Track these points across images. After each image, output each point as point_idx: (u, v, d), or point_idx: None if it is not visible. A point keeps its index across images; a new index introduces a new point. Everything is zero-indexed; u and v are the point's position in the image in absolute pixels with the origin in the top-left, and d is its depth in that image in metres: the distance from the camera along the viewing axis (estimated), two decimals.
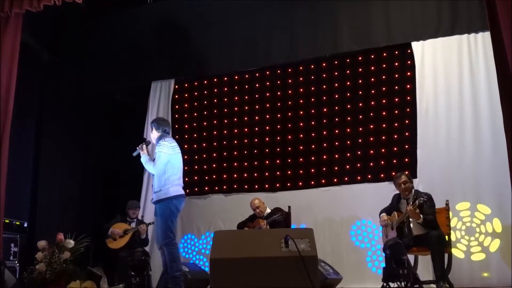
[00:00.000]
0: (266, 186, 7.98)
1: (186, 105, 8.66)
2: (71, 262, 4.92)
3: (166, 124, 5.78)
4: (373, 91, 7.63)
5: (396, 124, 7.41)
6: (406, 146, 7.27)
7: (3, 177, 6.12)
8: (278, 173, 8.01)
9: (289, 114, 8.10)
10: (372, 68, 7.70)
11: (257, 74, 8.32)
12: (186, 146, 8.18)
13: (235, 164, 8.27)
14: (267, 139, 8.17)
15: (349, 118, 7.70)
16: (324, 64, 7.97)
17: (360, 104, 7.67)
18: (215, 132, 8.46)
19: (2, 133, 6.20)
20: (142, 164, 5.66)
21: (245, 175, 8.17)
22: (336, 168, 7.67)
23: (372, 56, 7.67)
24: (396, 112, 7.44)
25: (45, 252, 5.01)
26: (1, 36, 6.44)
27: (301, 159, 7.92)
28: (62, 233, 5.14)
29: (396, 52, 7.52)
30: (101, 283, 4.83)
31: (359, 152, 7.57)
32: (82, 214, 8.26)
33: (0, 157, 6.12)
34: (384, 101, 7.55)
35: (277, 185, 7.94)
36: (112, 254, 7.04)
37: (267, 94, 8.28)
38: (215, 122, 8.50)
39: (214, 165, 8.37)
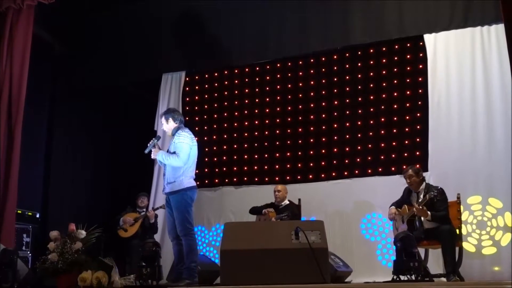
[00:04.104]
0: (277, 178, 7.97)
1: (196, 98, 8.67)
2: (82, 252, 4.95)
3: (180, 114, 5.76)
4: (384, 84, 7.60)
5: (407, 117, 7.38)
6: (418, 139, 7.24)
7: (16, 167, 6.18)
8: (288, 165, 8.01)
9: (300, 106, 8.08)
10: (384, 60, 7.65)
11: (267, 67, 8.30)
12: (196, 139, 8.09)
13: (246, 156, 8.28)
14: (277, 131, 8.15)
15: (360, 111, 7.67)
16: (335, 57, 7.94)
17: (372, 97, 7.64)
18: (225, 125, 8.47)
19: (14, 124, 6.26)
20: (155, 159, 5.62)
21: (256, 167, 8.18)
22: (346, 161, 7.66)
23: (384, 49, 7.63)
24: (408, 105, 7.40)
25: (57, 242, 5.03)
26: (13, 28, 6.48)
27: (311, 152, 7.91)
28: (73, 223, 5.17)
29: (408, 45, 7.47)
30: (112, 273, 4.84)
31: (370, 145, 7.54)
32: (94, 205, 8.30)
33: (13, 147, 6.18)
34: (395, 93, 7.51)
35: (288, 177, 7.93)
36: (122, 244, 7.12)
37: (278, 87, 8.26)
38: (225, 114, 8.50)
39: (224, 158, 8.38)
